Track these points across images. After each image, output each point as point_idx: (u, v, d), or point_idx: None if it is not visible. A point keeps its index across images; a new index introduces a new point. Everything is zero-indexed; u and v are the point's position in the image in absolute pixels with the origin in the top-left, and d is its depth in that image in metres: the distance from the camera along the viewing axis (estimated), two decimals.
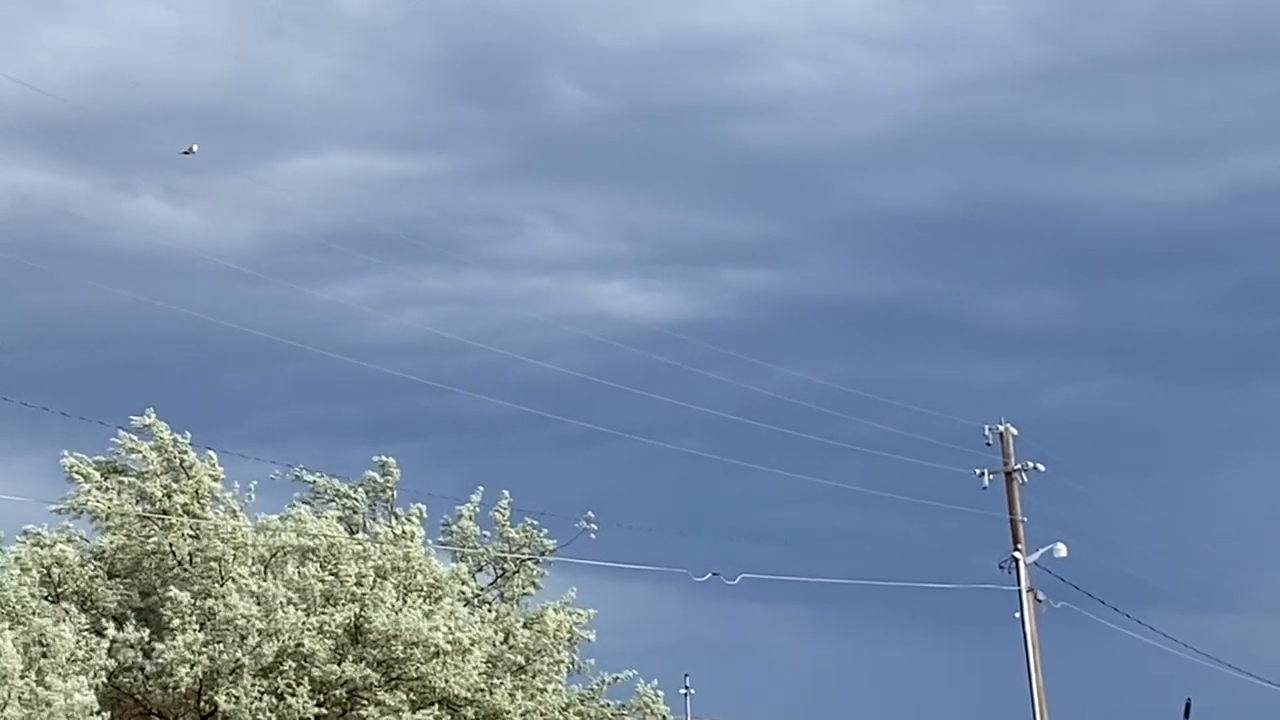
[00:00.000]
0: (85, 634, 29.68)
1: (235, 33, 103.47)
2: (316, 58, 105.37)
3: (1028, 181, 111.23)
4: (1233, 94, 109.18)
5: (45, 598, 30.89)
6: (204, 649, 30.22)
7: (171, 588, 31.00)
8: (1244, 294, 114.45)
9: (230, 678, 30.38)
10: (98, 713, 28.44)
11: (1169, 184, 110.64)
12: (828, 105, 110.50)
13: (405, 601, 31.83)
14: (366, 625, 31.24)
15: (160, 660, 30.12)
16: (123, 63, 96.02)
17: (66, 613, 30.18)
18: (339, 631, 31.19)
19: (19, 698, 27.29)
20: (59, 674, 28.04)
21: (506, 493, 36.47)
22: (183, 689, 30.26)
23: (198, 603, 30.75)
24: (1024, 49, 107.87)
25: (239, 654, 30.28)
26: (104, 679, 29.35)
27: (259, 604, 30.50)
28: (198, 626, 30.51)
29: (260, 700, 30.31)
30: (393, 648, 31.19)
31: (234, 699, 30.16)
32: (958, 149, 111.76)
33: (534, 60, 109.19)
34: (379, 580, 32.02)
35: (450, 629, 31.51)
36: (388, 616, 31.09)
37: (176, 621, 30.35)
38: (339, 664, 30.97)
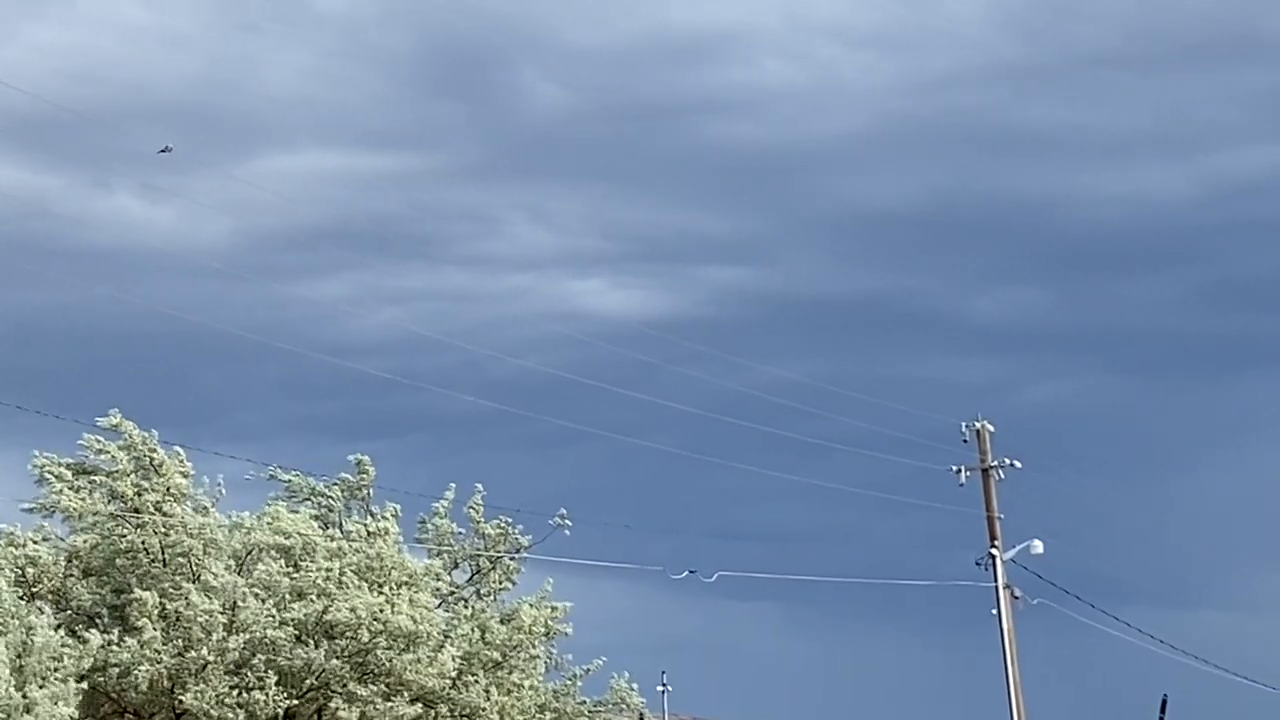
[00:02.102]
0: (62, 634, 29.58)
1: (212, 30, 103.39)
2: (293, 55, 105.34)
3: (1007, 178, 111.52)
4: (1212, 91, 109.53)
5: (20, 598, 30.80)
6: (164, 647, 30.11)
7: (136, 590, 30.90)
8: (1223, 291, 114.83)
9: (198, 676, 30.31)
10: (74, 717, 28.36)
11: (1148, 181, 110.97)
12: (805, 103, 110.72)
13: (363, 588, 31.73)
14: (331, 618, 31.13)
15: (118, 660, 30.04)
16: (99, 60, 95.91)
17: (41, 612, 30.08)
18: (305, 623, 31.11)
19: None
20: (40, 677, 27.92)
21: (479, 486, 36.46)
22: (143, 687, 30.17)
23: (166, 603, 30.65)
24: (1001, 46, 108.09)
25: (204, 651, 30.21)
26: (80, 679, 29.24)
27: (221, 599, 30.40)
28: (162, 626, 30.41)
29: (229, 696, 30.25)
30: (359, 636, 31.12)
31: (200, 695, 30.10)
32: (936, 146, 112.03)
33: (511, 58, 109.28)
34: (341, 574, 31.91)
35: (413, 615, 31.42)
36: (347, 604, 30.99)
37: (142, 622, 30.27)
38: (304, 650, 30.86)
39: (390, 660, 31.45)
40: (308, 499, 35.75)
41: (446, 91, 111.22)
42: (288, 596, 31.36)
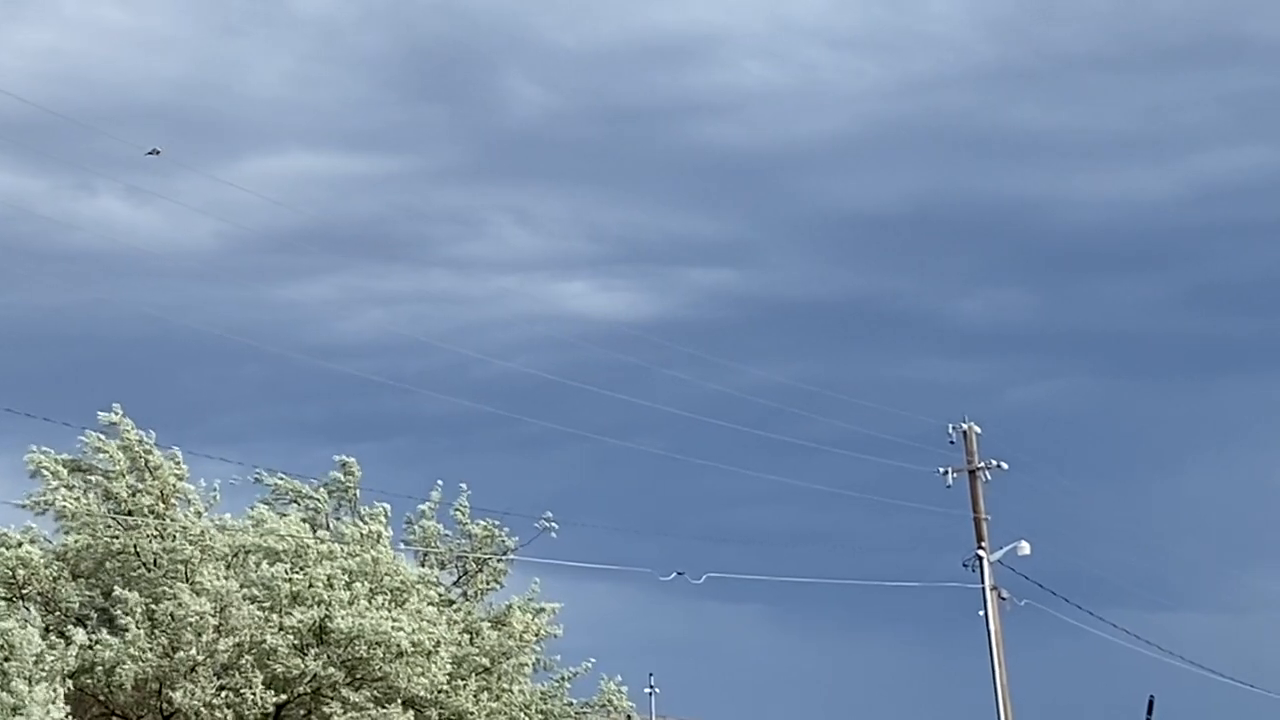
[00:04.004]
0: (49, 635, 29.49)
1: (194, 32, 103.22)
2: (276, 57, 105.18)
3: (990, 181, 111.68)
4: (1196, 93, 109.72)
5: (8, 599, 30.70)
6: (149, 648, 30.00)
7: (115, 588, 30.79)
8: (1206, 293, 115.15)
9: (187, 676, 30.22)
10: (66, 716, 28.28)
11: (1131, 183, 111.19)
12: (787, 105, 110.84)
13: (371, 603, 31.62)
14: (330, 625, 31.05)
15: (100, 659, 29.93)
16: (81, 62, 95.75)
17: (29, 613, 29.98)
18: (303, 630, 31.02)
19: None
20: (24, 677, 27.84)
21: (464, 486, 36.39)
22: (128, 687, 30.07)
23: (156, 605, 30.54)
24: (984, 49, 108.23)
25: (194, 652, 30.12)
26: (68, 683, 29.15)
27: (214, 601, 30.30)
28: (149, 626, 30.30)
29: (218, 695, 30.17)
30: (355, 648, 31.05)
31: (189, 695, 30.01)
32: (919, 148, 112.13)
33: (494, 60, 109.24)
34: (349, 582, 31.79)
35: (413, 630, 31.33)
36: (352, 619, 30.89)
37: (126, 621, 30.14)
38: (301, 659, 30.79)
39: (383, 669, 31.35)
40: (294, 501, 35.63)
41: (430, 94, 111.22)
42: (285, 601, 31.22)
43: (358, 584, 31.79)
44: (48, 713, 27.43)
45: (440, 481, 36.42)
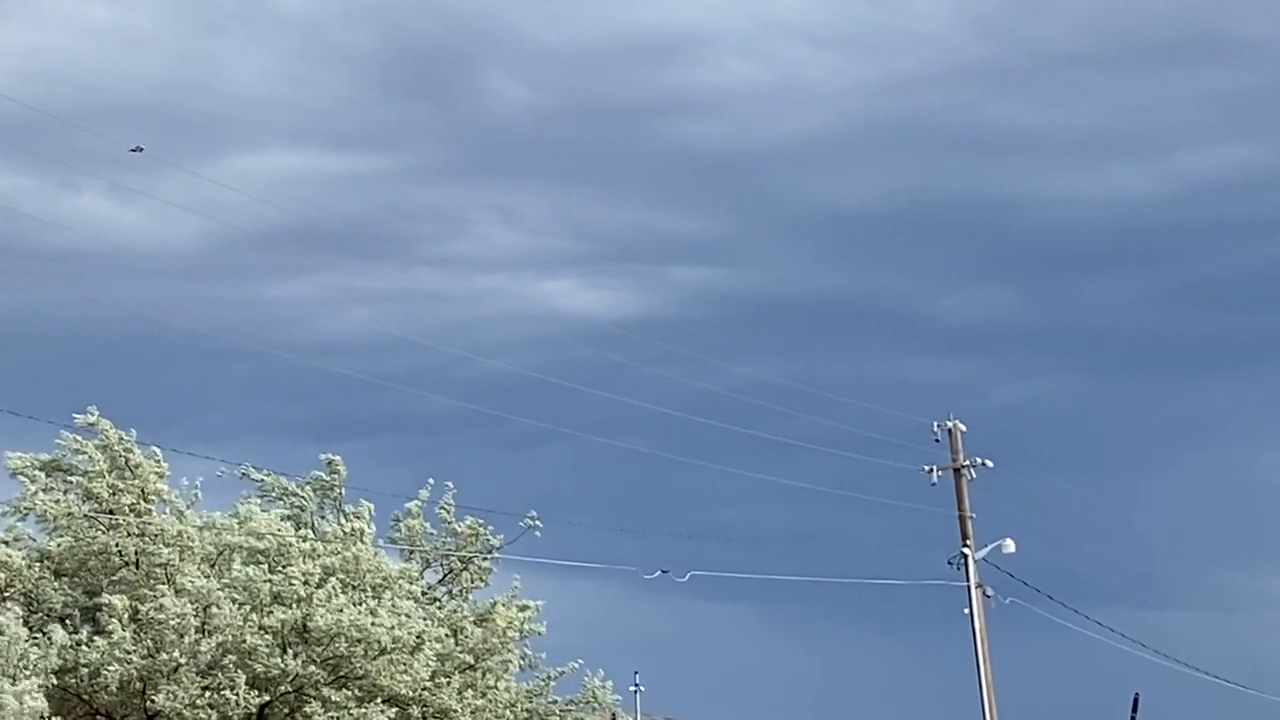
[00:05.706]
0: (33, 634, 29.43)
1: (177, 30, 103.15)
2: (259, 55, 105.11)
3: (974, 178, 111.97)
4: (1179, 91, 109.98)
5: None
6: (133, 649, 29.93)
7: (105, 594, 30.71)
8: (1190, 291, 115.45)
9: (169, 677, 30.15)
10: (47, 716, 28.20)
11: (1115, 181, 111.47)
12: (771, 103, 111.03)
13: (350, 599, 31.57)
14: (310, 624, 30.99)
15: (87, 660, 29.85)
16: (63, 61, 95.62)
17: (9, 610, 29.89)
18: (283, 630, 30.97)
19: None
20: (9, 676, 27.78)
21: (450, 484, 36.39)
22: (113, 688, 29.99)
23: (140, 606, 30.46)
24: (968, 47, 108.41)
25: (176, 654, 30.04)
26: (52, 680, 29.08)
27: (195, 602, 30.22)
28: (133, 628, 30.22)
29: (201, 696, 30.10)
30: (336, 645, 30.98)
31: (172, 696, 29.94)
32: (903, 146, 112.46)
33: (477, 58, 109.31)
34: (326, 578, 31.76)
35: (393, 625, 31.29)
36: (331, 615, 30.83)
37: (112, 625, 30.06)
38: (281, 659, 30.73)
39: (364, 667, 31.31)
40: (279, 498, 35.59)
41: (413, 92, 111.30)
42: (266, 601, 31.17)
43: (333, 579, 31.71)
44: (22, 704, 27.35)
45: (431, 480, 36.53)
